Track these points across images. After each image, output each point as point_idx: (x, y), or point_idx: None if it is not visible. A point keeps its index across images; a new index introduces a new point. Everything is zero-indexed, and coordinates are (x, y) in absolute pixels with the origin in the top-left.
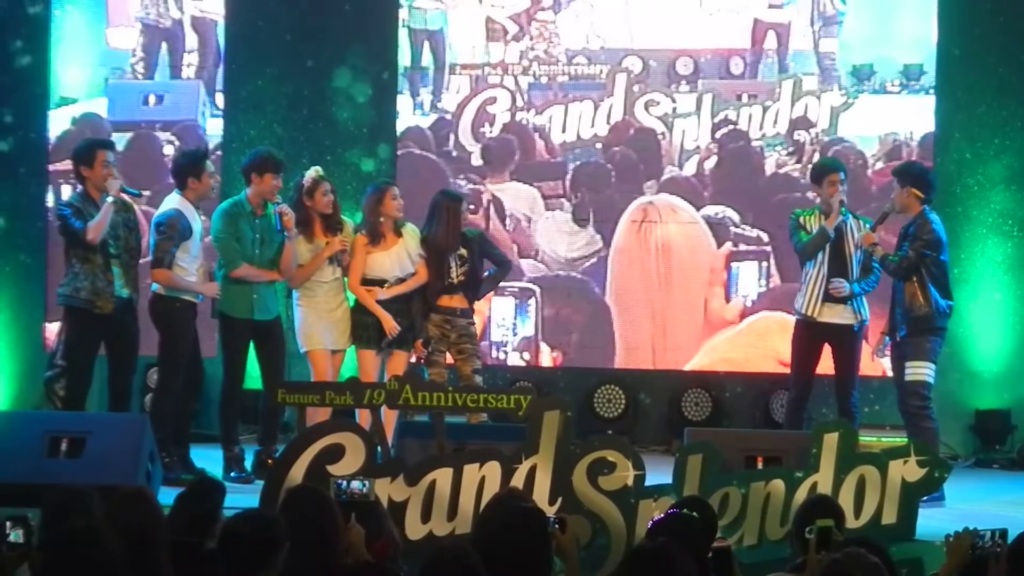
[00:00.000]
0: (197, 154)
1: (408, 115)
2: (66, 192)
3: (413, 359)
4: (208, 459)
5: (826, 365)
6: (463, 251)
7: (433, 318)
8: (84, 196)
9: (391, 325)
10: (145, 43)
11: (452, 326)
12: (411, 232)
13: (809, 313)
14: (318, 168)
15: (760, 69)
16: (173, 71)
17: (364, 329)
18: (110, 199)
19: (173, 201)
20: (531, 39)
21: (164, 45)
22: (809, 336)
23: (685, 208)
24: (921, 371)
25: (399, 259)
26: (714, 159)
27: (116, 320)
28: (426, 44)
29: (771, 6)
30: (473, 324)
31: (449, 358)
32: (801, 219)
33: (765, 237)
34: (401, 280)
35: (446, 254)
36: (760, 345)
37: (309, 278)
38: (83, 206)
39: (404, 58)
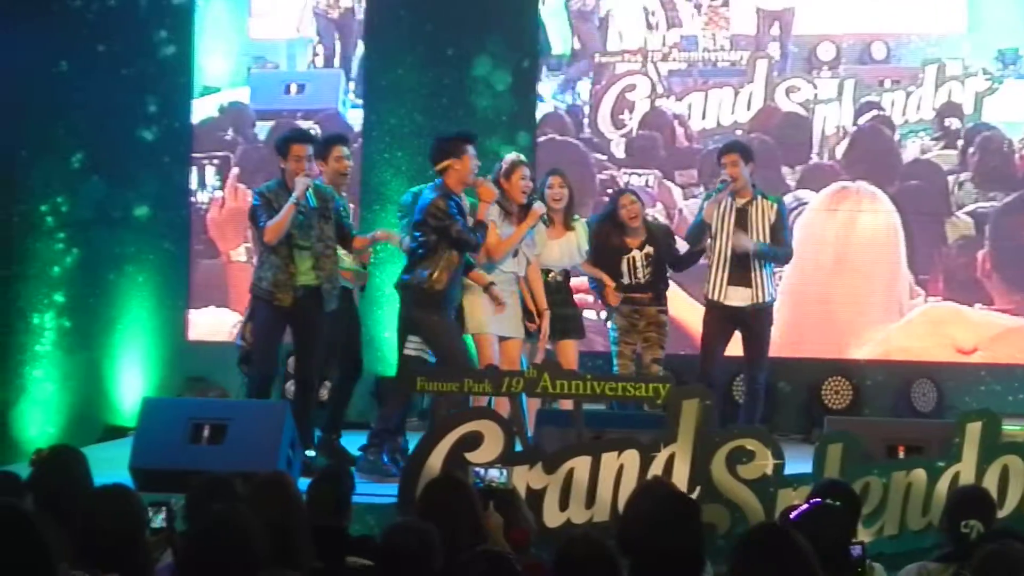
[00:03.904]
0: (327, 138)
1: (548, 102)
2: (210, 179)
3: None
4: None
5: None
6: (649, 249)
7: (622, 308)
8: (281, 186)
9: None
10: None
11: (640, 315)
12: (583, 227)
13: None
14: (518, 153)
15: (903, 54)
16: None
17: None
18: (293, 199)
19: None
20: (704, 25)
21: (336, 34)
22: None
23: (882, 198)
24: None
25: (567, 250)
26: (853, 144)
27: (299, 311)
28: (564, 31)
29: None
30: (664, 312)
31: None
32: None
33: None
34: (566, 272)
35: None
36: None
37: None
38: (275, 197)
39: (544, 45)
